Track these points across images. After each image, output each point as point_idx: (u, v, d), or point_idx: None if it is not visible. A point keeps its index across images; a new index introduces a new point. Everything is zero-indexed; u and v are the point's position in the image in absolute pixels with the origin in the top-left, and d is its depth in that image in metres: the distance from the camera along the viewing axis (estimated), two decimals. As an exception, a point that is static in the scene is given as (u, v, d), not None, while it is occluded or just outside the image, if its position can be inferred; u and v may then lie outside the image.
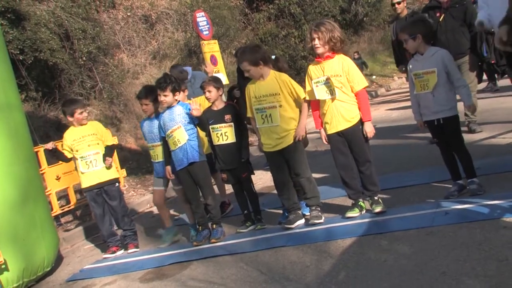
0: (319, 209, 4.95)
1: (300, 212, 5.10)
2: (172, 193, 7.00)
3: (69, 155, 5.87)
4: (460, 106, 4.79)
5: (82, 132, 5.81)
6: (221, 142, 5.33)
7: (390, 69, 19.48)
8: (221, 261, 4.68)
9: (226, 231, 5.43)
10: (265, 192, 6.65)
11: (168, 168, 5.46)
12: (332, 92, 4.66)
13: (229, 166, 5.38)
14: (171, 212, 6.94)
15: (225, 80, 9.91)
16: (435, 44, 5.11)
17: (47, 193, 6.64)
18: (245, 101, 5.24)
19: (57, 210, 7.18)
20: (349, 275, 3.67)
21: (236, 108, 5.46)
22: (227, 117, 5.32)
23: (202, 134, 5.56)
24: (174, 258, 5.10)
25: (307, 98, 4.87)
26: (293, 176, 5.02)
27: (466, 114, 6.83)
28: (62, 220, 7.52)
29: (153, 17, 13.82)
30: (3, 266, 4.89)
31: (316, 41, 4.62)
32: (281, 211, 5.42)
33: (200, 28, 10.85)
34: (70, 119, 5.86)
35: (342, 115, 4.69)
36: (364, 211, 4.86)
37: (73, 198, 7.51)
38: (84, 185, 5.82)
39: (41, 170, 6.74)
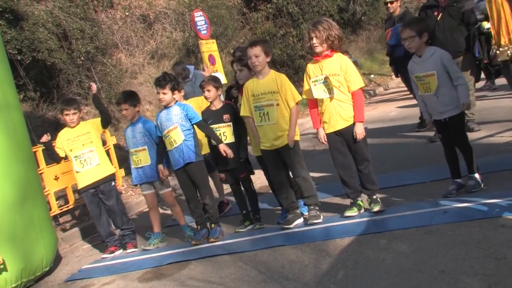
0: (317, 208, 4.95)
1: (298, 211, 5.10)
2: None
3: (61, 154, 5.86)
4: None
5: (76, 132, 5.82)
6: None
7: (388, 68, 19.40)
8: (219, 261, 4.68)
9: (224, 231, 5.43)
10: (263, 192, 6.64)
11: (161, 166, 5.45)
12: (330, 91, 4.66)
13: (227, 167, 5.37)
14: (168, 212, 6.94)
15: (223, 80, 9.90)
16: (433, 43, 5.11)
17: (45, 193, 6.63)
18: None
19: (55, 210, 7.17)
20: (348, 274, 3.67)
21: (234, 108, 5.45)
22: (226, 116, 5.31)
23: (201, 134, 5.54)
24: (173, 258, 5.10)
25: (305, 97, 4.88)
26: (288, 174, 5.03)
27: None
28: (61, 220, 7.51)
29: (151, 16, 13.80)
30: (1, 266, 4.88)
31: (314, 40, 4.62)
32: (279, 211, 5.43)
33: (198, 27, 10.86)
34: (63, 117, 5.89)
35: (340, 114, 4.69)
36: (363, 210, 4.86)
37: (71, 198, 7.50)
38: (81, 185, 5.83)
39: (40, 170, 6.72)
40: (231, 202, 6.42)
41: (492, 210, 4.09)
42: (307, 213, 5.00)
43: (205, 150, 5.73)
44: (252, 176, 5.54)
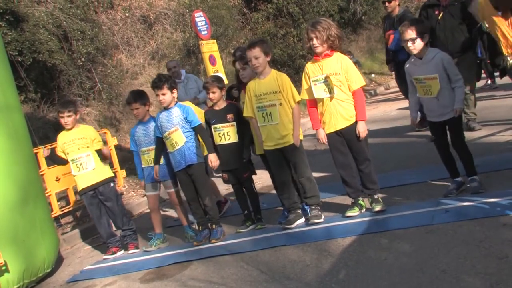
0: (319, 208, 4.95)
1: (299, 211, 5.10)
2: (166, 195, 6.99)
3: (64, 157, 5.85)
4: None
5: (72, 136, 5.78)
6: (224, 142, 5.32)
7: (387, 66, 19.39)
8: (221, 261, 4.68)
9: (226, 231, 5.43)
10: (265, 192, 6.65)
11: (156, 167, 5.44)
12: (330, 90, 4.66)
13: (230, 167, 5.37)
14: (170, 213, 6.95)
15: (224, 80, 9.90)
16: (433, 42, 5.10)
17: (47, 194, 6.63)
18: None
19: (57, 211, 7.17)
20: (349, 274, 3.67)
21: (238, 107, 5.45)
22: (229, 116, 5.31)
23: None
24: (174, 258, 5.10)
25: (305, 97, 4.86)
26: (293, 175, 5.02)
27: (465, 112, 6.83)
28: (62, 221, 7.51)
29: (151, 17, 13.81)
30: (3, 268, 4.88)
31: (314, 41, 4.62)
32: (280, 211, 5.42)
33: (198, 28, 10.85)
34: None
35: (340, 114, 4.69)
36: (364, 210, 4.86)
37: (73, 199, 7.51)
38: (79, 187, 5.82)
39: (41, 171, 6.73)
40: (229, 200, 6.44)
41: (493, 209, 4.08)
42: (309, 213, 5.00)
43: (206, 151, 5.72)
44: (254, 176, 5.54)
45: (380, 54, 19.62)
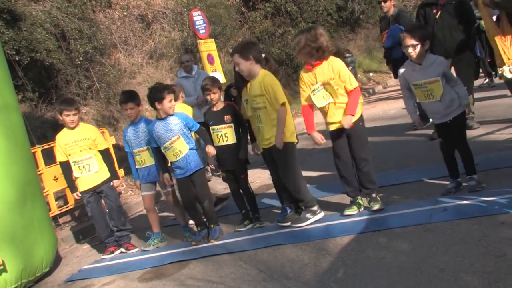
0: (314, 208, 4.92)
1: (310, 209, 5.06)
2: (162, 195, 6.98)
3: (62, 158, 5.75)
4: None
5: (74, 137, 5.67)
6: (222, 143, 5.31)
7: (387, 66, 19.43)
8: (219, 260, 4.68)
9: (224, 230, 5.43)
10: (263, 191, 6.64)
11: (166, 175, 5.39)
12: (329, 97, 4.64)
13: (228, 168, 5.39)
14: (166, 213, 6.94)
15: (222, 79, 9.91)
16: (431, 41, 5.10)
17: (45, 194, 6.62)
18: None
19: (55, 211, 7.16)
20: (348, 273, 3.67)
21: (235, 108, 5.44)
22: (227, 117, 5.30)
23: None
24: (173, 258, 5.09)
25: (305, 103, 4.79)
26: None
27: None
28: (60, 220, 7.50)
29: (149, 16, 13.81)
30: (1, 267, 4.87)
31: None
32: (278, 209, 5.42)
33: (196, 27, 10.86)
34: (61, 118, 5.82)
35: (343, 112, 4.68)
36: (362, 209, 4.86)
37: (71, 199, 7.49)
38: (80, 189, 5.78)
39: (39, 171, 6.72)
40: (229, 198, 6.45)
41: (492, 207, 4.09)
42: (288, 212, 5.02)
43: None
44: (251, 175, 5.53)
45: (378, 53, 19.64)
